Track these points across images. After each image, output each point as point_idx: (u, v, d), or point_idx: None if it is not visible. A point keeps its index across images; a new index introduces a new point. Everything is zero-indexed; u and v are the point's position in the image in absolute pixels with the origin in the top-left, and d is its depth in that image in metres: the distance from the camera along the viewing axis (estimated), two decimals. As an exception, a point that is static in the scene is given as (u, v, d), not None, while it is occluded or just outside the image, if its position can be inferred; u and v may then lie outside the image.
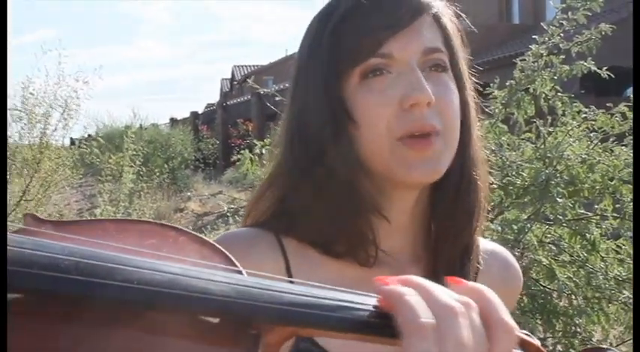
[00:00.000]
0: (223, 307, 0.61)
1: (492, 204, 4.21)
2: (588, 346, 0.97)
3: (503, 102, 3.93)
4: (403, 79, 1.13)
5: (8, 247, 0.55)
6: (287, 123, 1.26)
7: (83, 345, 0.58)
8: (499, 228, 3.58)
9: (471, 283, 0.74)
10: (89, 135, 20.06)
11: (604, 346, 0.82)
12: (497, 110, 4.01)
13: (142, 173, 7.28)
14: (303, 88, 1.23)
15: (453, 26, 1.22)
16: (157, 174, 7.83)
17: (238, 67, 46.14)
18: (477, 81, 1.33)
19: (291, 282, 0.68)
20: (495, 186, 4.17)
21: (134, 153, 6.81)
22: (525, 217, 3.87)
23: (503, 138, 3.97)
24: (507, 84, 4.00)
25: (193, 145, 24.43)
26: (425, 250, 1.26)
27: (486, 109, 4.30)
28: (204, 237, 0.70)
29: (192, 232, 0.71)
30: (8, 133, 5.69)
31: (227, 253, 0.69)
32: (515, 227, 3.60)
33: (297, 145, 1.23)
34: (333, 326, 0.66)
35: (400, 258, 1.24)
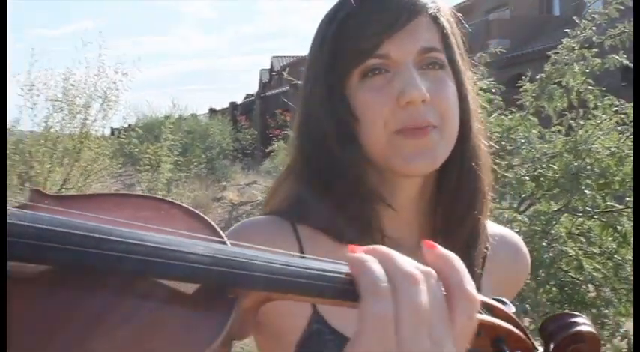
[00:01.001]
0: (201, 274, 0.66)
1: (523, 195, 4.25)
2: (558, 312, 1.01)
3: (534, 95, 3.96)
4: (399, 78, 1.19)
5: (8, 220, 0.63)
6: (298, 120, 1.34)
7: (74, 309, 0.64)
8: (526, 220, 3.61)
9: (442, 249, 0.75)
10: (129, 125, 20.32)
11: (573, 312, 0.85)
12: (527, 103, 4.05)
13: (179, 163, 7.39)
14: (310, 89, 1.30)
15: (451, 26, 1.28)
16: (195, 163, 7.92)
17: (277, 57, 46.23)
18: (517, 72, 1.40)
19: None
20: (527, 178, 4.21)
21: (172, 143, 6.92)
22: (555, 209, 3.90)
23: (534, 130, 4.00)
24: (537, 77, 4.03)
25: (231, 135, 24.61)
26: (431, 237, 1.31)
27: (518, 102, 4.34)
28: (196, 211, 0.76)
29: (186, 206, 0.78)
30: (50, 123, 5.84)
31: (214, 225, 0.75)
32: (543, 218, 3.63)
33: (307, 143, 1.31)
34: (301, 292, 0.71)
35: (406, 245, 1.26)
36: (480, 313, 0.76)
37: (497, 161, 4.25)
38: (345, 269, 0.72)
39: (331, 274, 0.72)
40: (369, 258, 0.71)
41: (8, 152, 5.81)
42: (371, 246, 0.74)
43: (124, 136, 7.27)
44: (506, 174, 4.22)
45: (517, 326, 0.82)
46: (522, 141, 3.89)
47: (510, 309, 0.82)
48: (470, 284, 0.72)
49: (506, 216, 3.68)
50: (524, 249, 1.48)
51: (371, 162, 1.25)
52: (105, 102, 5.98)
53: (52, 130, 5.84)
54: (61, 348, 0.61)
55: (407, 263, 0.72)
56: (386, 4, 1.24)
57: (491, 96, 4.40)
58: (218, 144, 23.03)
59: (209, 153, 20.79)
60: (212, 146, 22.20)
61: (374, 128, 1.21)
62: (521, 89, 4.15)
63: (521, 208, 4.25)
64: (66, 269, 0.64)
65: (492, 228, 1.42)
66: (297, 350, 1.22)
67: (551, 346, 0.87)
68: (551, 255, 3.46)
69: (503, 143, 3.98)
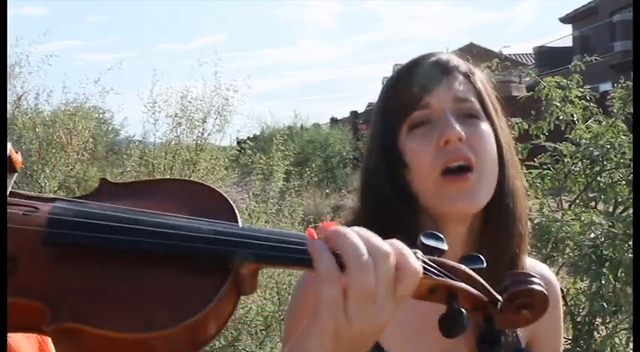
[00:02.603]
0: (206, 250, 0.88)
1: (620, 199, 4.31)
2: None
3: (620, 102, 4.04)
4: (439, 124, 1.41)
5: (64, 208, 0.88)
6: (362, 175, 1.56)
7: (110, 272, 0.85)
8: (603, 222, 3.71)
9: (395, 242, 0.92)
10: (254, 136, 20.94)
11: (531, 273, 0.95)
12: (615, 110, 4.13)
13: (293, 172, 7.74)
14: (369, 146, 1.54)
15: (484, 85, 1.51)
16: (308, 172, 8.26)
17: (399, 65, 46.21)
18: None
19: None
20: (624, 182, 4.27)
21: (286, 152, 7.28)
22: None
23: (623, 136, 4.07)
24: (624, 84, 4.10)
25: (352, 144, 24.97)
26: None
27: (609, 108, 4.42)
28: (217, 189, 0.98)
29: (209, 185, 1.01)
30: (171, 136, 6.32)
31: (233, 205, 0.96)
32: (626, 221, 3.70)
33: (371, 195, 1.52)
34: (285, 264, 0.94)
35: None
36: (439, 276, 0.94)
37: (587, 167, 4.35)
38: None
39: (294, 247, 0.91)
40: (325, 246, 0.89)
41: (134, 164, 6.35)
42: (334, 227, 0.91)
43: (239, 148, 7.72)
44: (599, 179, 4.31)
45: (475, 284, 0.96)
46: (608, 146, 3.98)
47: (481, 264, 0.99)
48: (415, 261, 0.91)
49: (583, 218, 3.77)
50: (554, 279, 1.62)
51: (423, 209, 1.44)
52: (219, 117, 6.45)
53: (171, 144, 6.34)
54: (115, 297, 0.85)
55: (355, 239, 0.89)
56: (426, 68, 1.48)
57: (586, 104, 4.50)
58: (338, 152, 23.38)
59: (329, 161, 21.18)
60: (332, 155, 22.59)
61: (422, 172, 1.41)
62: (608, 96, 4.24)
63: (617, 212, 4.31)
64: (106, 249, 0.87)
65: (529, 262, 1.56)
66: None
67: (505, 296, 0.98)
68: (630, 256, 3.54)
69: (591, 149, 4.07)
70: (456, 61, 1.51)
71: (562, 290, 4.21)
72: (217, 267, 0.87)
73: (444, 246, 0.99)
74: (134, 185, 1.02)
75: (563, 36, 32.49)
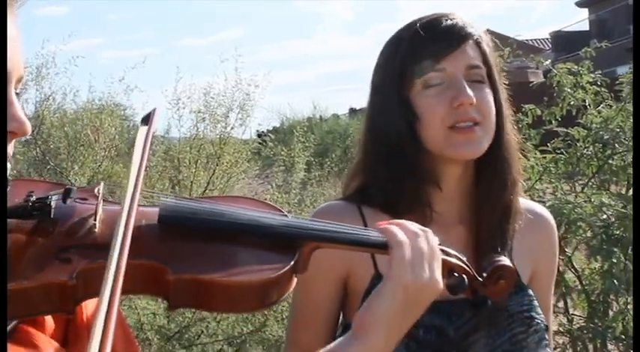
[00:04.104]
0: (282, 230, 1.15)
1: (631, 180, 4.43)
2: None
3: (628, 86, 4.17)
4: (452, 87, 1.63)
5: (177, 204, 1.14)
6: (368, 121, 1.77)
7: (205, 248, 1.11)
8: (612, 202, 3.85)
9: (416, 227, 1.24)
10: (274, 128, 21.08)
11: (499, 254, 1.31)
12: (624, 94, 4.26)
13: (314, 163, 7.92)
14: (381, 96, 1.73)
15: (489, 49, 1.71)
16: (329, 163, 8.45)
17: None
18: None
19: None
20: (628, 163, 4.40)
21: (306, 144, 7.47)
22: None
23: (632, 120, 4.20)
24: (628, 68, 4.23)
25: (372, 134, 24.96)
26: (470, 213, 1.74)
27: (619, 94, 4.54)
28: (272, 204, 1.27)
29: (266, 202, 1.29)
30: (194, 132, 6.52)
31: (279, 208, 1.24)
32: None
33: (378, 139, 1.73)
34: (342, 242, 1.20)
35: (449, 219, 1.72)
36: (444, 257, 1.24)
37: (599, 150, 4.47)
38: (375, 233, 1.21)
39: (365, 234, 1.22)
40: (392, 226, 1.21)
41: (160, 159, 6.56)
42: (394, 221, 1.23)
43: (261, 141, 7.95)
44: (611, 162, 4.44)
45: (465, 264, 1.26)
46: (617, 130, 4.11)
47: (463, 256, 1.28)
48: (433, 242, 1.21)
49: (592, 199, 3.92)
50: (547, 214, 1.86)
51: (427, 150, 1.66)
52: (241, 112, 6.66)
53: (196, 138, 6.56)
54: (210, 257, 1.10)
55: (414, 226, 1.21)
56: (442, 31, 1.67)
57: (598, 89, 4.62)
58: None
59: (349, 151, 21.28)
60: (351, 145, 22.67)
61: (433, 125, 1.64)
62: (617, 81, 4.37)
63: (629, 193, 4.44)
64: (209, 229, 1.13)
65: (524, 203, 1.80)
66: (363, 297, 1.63)
67: (485, 274, 1.27)
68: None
69: (601, 133, 4.21)
70: (470, 26, 1.69)
71: (577, 271, 4.37)
72: (289, 245, 1.14)
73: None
74: (207, 197, 1.31)
75: (579, 20, 32.38)
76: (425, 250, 1.18)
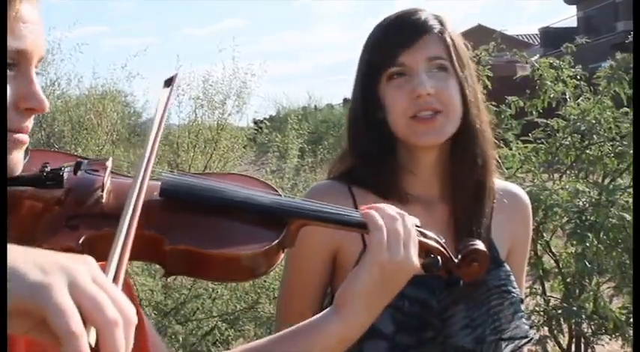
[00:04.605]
0: (272, 207, 1.21)
1: (607, 171, 4.68)
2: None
3: (605, 81, 4.42)
4: (413, 79, 1.72)
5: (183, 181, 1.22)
6: (347, 116, 1.92)
7: (201, 221, 1.17)
8: (586, 190, 4.09)
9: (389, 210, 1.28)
10: (270, 116, 21.20)
11: (473, 239, 1.38)
12: (600, 88, 4.51)
13: (307, 150, 8.14)
14: (355, 89, 1.85)
15: (453, 41, 1.78)
16: (321, 150, 8.68)
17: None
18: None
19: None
20: (612, 155, 4.63)
21: (300, 131, 7.70)
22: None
23: (607, 112, 4.45)
24: (609, 63, 4.49)
25: (365, 124, 25.09)
26: (447, 192, 1.85)
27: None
28: (267, 182, 1.32)
29: (260, 180, 1.33)
30: (193, 118, 6.74)
31: (273, 186, 1.31)
32: (609, 190, 4.08)
33: (353, 128, 1.87)
34: (327, 221, 1.26)
35: (427, 199, 1.82)
36: (420, 237, 1.29)
37: (577, 141, 4.72)
38: (358, 214, 1.27)
39: (348, 215, 1.28)
40: (372, 210, 1.26)
41: (160, 143, 6.77)
42: (373, 205, 1.28)
43: (257, 127, 8.18)
44: (587, 151, 4.68)
45: (441, 246, 1.31)
46: (594, 122, 4.36)
47: (441, 239, 1.33)
48: (410, 225, 1.27)
49: (567, 186, 4.16)
50: (523, 195, 1.96)
51: (398, 140, 1.77)
52: (238, 99, 6.90)
53: (194, 124, 6.80)
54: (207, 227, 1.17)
55: (392, 210, 1.27)
56: (404, 27, 1.77)
57: (577, 83, 4.86)
58: (351, 132, 23.51)
59: (342, 140, 21.30)
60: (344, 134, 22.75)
61: (396, 115, 1.74)
62: (595, 75, 4.62)
63: (605, 182, 4.68)
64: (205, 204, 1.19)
65: (499, 183, 1.90)
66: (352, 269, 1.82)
67: (459, 257, 1.32)
68: (614, 221, 3.93)
69: (578, 124, 4.45)
70: (432, 20, 1.77)
71: (555, 254, 4.62)
72: (278, 222, 1.21)
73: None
74: (205, 174, 1.34)
75: (567, 17, 32.61)
76: (400, 232, 1.24)
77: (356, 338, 1.28)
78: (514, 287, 1.81)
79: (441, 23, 1.79)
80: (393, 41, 1.76)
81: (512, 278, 1.82)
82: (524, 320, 1.82)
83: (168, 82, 1.32)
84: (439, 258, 1.28)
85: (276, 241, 1.17)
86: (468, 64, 1.84)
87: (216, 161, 6.61)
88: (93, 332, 0.75)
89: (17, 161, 1.09)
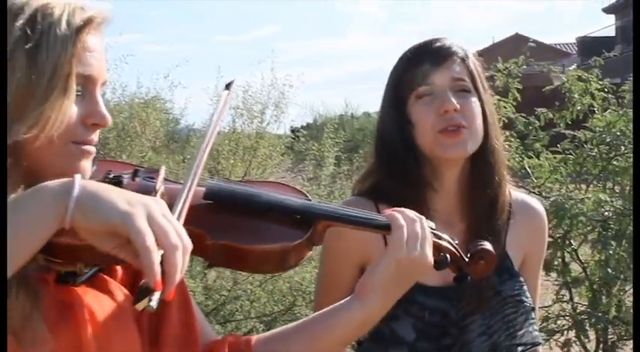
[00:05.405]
0: (300, 210, 1.35)
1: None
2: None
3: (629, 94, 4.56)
4: (439, 97, 1.86)
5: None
6: (375, 133, 2.03)
7: (239, 221, 1.33)
8: (608, 199, 4.24)
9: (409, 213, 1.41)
10: (307, 124, 21.40)
11: (482, 240, 1.52)
12: (626, 100, 4.66)
13: (343, 158, 8.33)
14: (384, 107, 1.99)
15: (475, 66, 1.94)
16: (357, 158, 8.88)
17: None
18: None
19: None
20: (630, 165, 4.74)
21: (337, 140, 7.90)
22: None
23: (631, 125, 4.58)
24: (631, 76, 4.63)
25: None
26: (464, 210, 1.95)
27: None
28: (297, 188, 1.47)
29: (294, 187, 1.48)
30: (233, 126, 6.99)
31: (304, 192, 1.46)
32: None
33: (382, 143, 1.97)
34: (349, 222, 1.40)
35: (447, 215, 1.92)
36: (434, 239, 1.42)
37: (604, 152, 4.85)
38: (380, 217, 1.42)
39: (370, 217, 1.43)
40: (394, 212, 1.40)
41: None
42: (395, 208, 1.42)
43: (294, 136, 8.43)
44: (614, 163, 4.81)
45: (454, 247, 1.45)
46: (618, 134, 4.50)
47: (454, 240, 1.47)
48: (426, 227, 1.40)
49: (590, 196, 4.31)
50: (538, 207, 2.07)
51: (424, 156, 1.88)
52: (276, 109, 7.15)
53: (234, 132, 7.05)
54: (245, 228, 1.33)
55: (412, 213, 1.40)
56: (432, 50, 1.92)
57: (605, 95, 5.00)
58: (388, 139, 23.51)
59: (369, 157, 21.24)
60: (382, 142, 22.74)
61: (424, 130, 1.86)
62: (620, 88, 4.76)
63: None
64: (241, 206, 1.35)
65: (516, 195, 2.03)
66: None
67: (469, 255, 1.46)
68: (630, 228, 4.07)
69: (604, 136, 4.60)
70: (455, 47, 1.92)
71: (583, 262, 4.76)
72: (305, 222, 1.36)
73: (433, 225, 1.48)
74: (243, 181, 1.52)
75: (606, 26, 32.30)
76: (418, 232, 1.37)
77: (373, 323, 1.42)
78: (527, 297, 1.94)
79: (464, 50, 1.94)
80: (423, 63, 1.90)
81: (525, 288, 1.95)
82: (535, 327, 1.95)
83: (228, 86, 1.51)
84: (449, 256, 1.43)
85: (304, 239, 1.32)
86: (488, 89, 1.99)
87: (255, 168, 6.84)
88: (161, 252, 1.01)
89: (86, 169, 1.26)
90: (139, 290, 1.02)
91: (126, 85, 7.83)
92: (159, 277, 1.00)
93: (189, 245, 1.06)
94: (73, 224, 1.03)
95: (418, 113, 1.88)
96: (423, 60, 1.91)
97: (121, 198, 1.04)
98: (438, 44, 1.93)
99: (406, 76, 1.92)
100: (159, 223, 1.03)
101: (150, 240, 1.01)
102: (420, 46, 1.96)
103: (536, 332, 1.96)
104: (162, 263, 1.01)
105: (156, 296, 1.01)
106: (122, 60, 7.57)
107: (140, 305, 1.01)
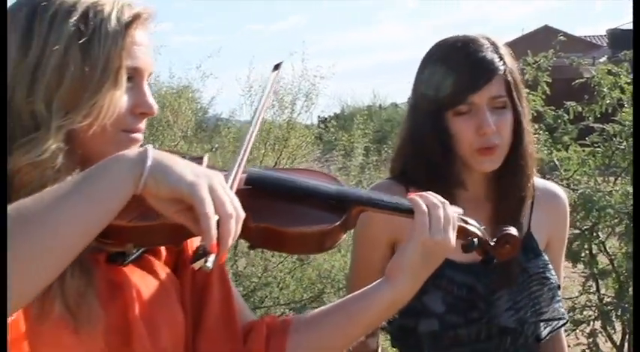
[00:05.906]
0: (336, 195, 1.41)
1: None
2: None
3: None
4: (478, 116, 1.89)
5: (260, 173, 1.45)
6: (406, 133, 2.04)
7: (279, 205, 1.38)
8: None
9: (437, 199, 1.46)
10: (335, 114, 21.49)
11: (507, 225, 1.58)
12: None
13: (372, 149, 8.42)
14: (419, 116, 1.99)
15: (513, 78, 1.94)
16: (386, 149, 8.95)
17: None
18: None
19: None
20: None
21: (366, 131, 7.98)
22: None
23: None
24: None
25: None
26: (493, 196, 2.02)
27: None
28: (333, 175, 1.55)
29: (328, 173, 1.55)
30: (263, 117, 7.10)
31: (338, 178, 1.52)
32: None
33: (412, 149, 2.00)
34: (380, 207, 1.45)
35: (475, 200, 1.97)
36: (461, 223, 1.48)
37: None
38: (406, 202, 1.46)
39: (398, 202, 1.47)
40: (418, 197, 1.44)
41: (232, 139, 7.13)
42: (420, 193, 1.46)
43: (323, 126, 8.52)
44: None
45: (480, 230, 1.51)
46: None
47: (481, 224, 1.53)
48: (451, 212, 1.45)
49: (618, 189, 4.35)
50: (563, 196, 2.15)
51: (456, 160, 1.95)
52: (306, 100, 7.25)
53: (265, 122, 7.15)
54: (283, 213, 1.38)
55: (435, 198, 1.45)
56: (473, 70, 1.90)
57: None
58: (415, 130, 23.50)
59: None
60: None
61: (463, 146, 1.92)
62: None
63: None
64: (281, 192, 1.41)
65: (539, 182, 2.09)
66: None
67: (495, 239, 1.51)
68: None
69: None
70: (496, 59, 1.91)
71: (610, 254, 4.80)
72: (340, 207, 1.42)
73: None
74: (280, 169, 1.61)
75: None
76: (441, 217, 1.42)
77: (403, 303, 1.47)
78: (552, 275, 2.00)
79: (502, 59, 1.93)
80: (462, 81, 1.91)
81: (550, 266, 2.01)
82: (560, 304, 2.01)
83: (277, 67, 1.58)
84: (476, 240, 1.48)
85: (339, 222, 1.38)
86: (522, 94, 2.01)
87: (285, 158, 6.94)
88: (216, 218, 1.11)
89: None
90: (195, 251, 1.11)
91: (158, 76, 7.97)
92: (214, 240, 1.10)
93: (242, 214, 1.16)
94: (145, 189, 1.12)
95: (457, 129, 1.92)
96: (461, 75, 1.92)
97: (187, 169, 1.13)
98: (478, 56, 1.93)
99: (444, 91, 1.93)
100: (218, 194, 1.12)
101: (210, 208, 1.10)
102: (457, 52, 1.95)
103: (562, 309, 2.02)
104: (217, 228, 1.11)
105: (211, 258, 1.10)
106: (156, 51, 7.69)
107: (197, 265, 1.10)
